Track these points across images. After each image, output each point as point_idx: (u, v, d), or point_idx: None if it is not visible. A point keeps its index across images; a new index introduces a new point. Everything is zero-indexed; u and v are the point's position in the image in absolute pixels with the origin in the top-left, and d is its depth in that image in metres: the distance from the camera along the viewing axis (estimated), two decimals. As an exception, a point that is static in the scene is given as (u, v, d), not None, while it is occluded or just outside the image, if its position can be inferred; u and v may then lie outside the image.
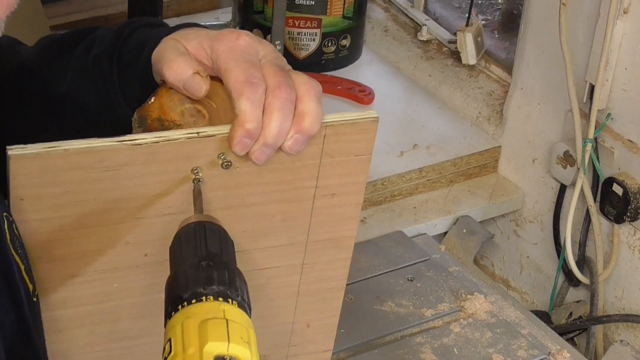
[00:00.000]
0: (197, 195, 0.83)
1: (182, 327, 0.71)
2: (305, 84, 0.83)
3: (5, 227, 0.78)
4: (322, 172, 0.87)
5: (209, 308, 0.73)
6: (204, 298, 0.73)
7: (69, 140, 0.78)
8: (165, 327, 0.74)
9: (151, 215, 0.84)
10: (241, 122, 0.80)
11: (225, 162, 0.83)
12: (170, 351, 0.71)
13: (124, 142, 0.79)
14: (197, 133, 0.81)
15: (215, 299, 0.73)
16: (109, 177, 0.80)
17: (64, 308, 0.87)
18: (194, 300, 0.73)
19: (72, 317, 0.88)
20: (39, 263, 0.83)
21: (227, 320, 0.72)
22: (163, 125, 0.86)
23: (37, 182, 0.78)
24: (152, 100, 0.86)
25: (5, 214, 0.78)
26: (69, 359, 0.91)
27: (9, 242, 0.78)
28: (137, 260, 0.86)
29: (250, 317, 0.75)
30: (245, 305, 0.75)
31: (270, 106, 0.81)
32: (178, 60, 0.83)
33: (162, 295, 0.88)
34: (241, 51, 0.83)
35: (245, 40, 0.84)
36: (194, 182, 0.83)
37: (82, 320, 0.89)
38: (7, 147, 0.77)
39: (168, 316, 0.74)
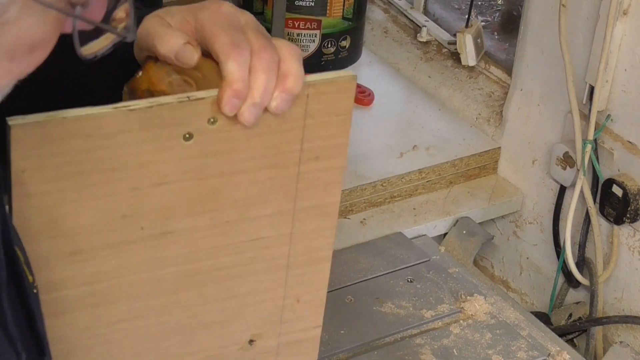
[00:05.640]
0: None
1: None
2: (286, 46, 0.87)
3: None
4: (306, 135, 0.91)
5: None
6: None
7: (66, 110, 0.81)
8: None
9: (146, 185, 0.87)
10: (229, 82, 0.84)
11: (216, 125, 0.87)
12: None
13: (119, 109, 0.82)
14: (188, 97, 0.84)
15: None
16: (106, 145, 0.83)
17: (64, 289, 0.89)
18: None
19: (73, 299, 0.90)
20: (40, 240, 0.85)
21: None
22: (153, 95, 0.89)
23: (38, 153, 0.81)
24: (140, 74, 0.89)
25: (7, 206, 0.80)
26: (69, 344, 0.92)
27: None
28: (134, 234, 0.89)
29: None
30: None
31: (256, 67, 0.84)
32: (169, 32, 0.86)
33: (160, 272, 0.92)
34: (224, 18, 0.86)
35: (228, 8, 0.87)
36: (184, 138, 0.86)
37: (82, 301, 0.90)
38: (7, 118, 0.78)
39: None
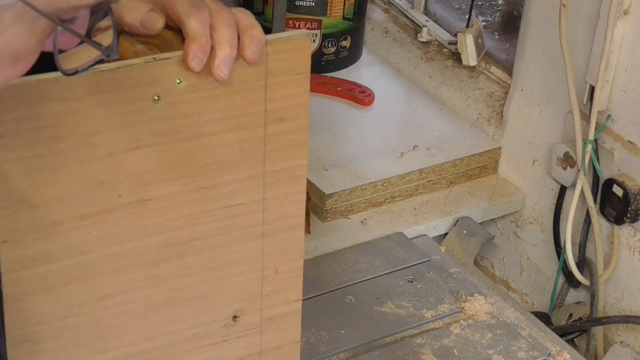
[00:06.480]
0: None
1: None
2: (241, 10, 0.92)
3: None
4: (268, 95, 0.95)
5: None
6: None
7: (38, 74, 0.83)
8: None
9: (121, 150, 0.89)
10: (193, 38, 0.88)
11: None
12: None
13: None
14: (154, 58, 0.88)
15: None
16: (79, 108, 0.86)
17: (50, 262, 0.91)
18: None
19: (59, 273, 0.92)
20: (22, 210, 0.87)
21: None
22: None
23: (14, 117, 0.83)
24: None
25: None
26: (56, 323, 0.94)
27: None
28: (112, 202, 0.91)
29: None
30: None
31: (218, 23, 0.89)
32: (132, 2, 0.91)
33: (141, 243, 0.95)
34: None
35: None
36: None
37: (67, 275, 0.92)
38: None
39: None
